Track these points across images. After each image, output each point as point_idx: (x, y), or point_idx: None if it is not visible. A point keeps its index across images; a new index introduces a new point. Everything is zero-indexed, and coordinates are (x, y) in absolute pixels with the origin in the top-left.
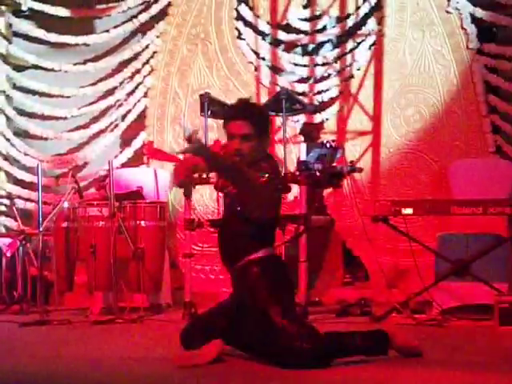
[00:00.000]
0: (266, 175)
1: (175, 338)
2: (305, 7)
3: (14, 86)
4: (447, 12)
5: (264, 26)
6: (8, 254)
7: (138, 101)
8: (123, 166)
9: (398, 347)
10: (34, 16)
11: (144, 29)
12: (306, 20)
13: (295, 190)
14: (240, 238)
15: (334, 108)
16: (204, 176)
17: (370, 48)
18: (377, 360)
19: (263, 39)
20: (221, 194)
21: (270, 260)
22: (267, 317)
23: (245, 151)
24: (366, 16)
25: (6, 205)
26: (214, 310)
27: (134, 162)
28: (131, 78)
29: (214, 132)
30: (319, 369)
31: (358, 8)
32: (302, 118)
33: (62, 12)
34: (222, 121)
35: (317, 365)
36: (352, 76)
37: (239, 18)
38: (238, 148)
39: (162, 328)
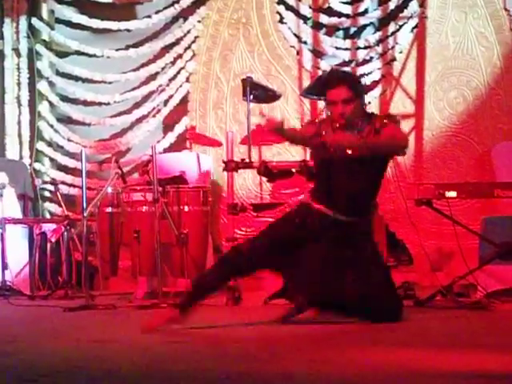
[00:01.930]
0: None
1: (218, 322)
2: None
3: (57, 72)
4: None
5: (305, 10)
6: (53, 240)
7: (180, 86)
8: (166, 151)
9: None
10: (76, 2)
11: (185, 14)
12: (347, 3)
13: None
14: (360, 196)
15: (377, 91)
16: (246, 160)
17: (412, 31)
18: (421, 342)
19: (305, 23)
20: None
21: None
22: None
23: (347, 113)
24: None
25: (50, 190)
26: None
27: (177, 146)
28: (173, 63)
29: (257, 116)
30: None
31: None
32: None
33: None
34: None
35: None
36: (394, 59)
37: (280, 1)
38: (341, 112)
39: (205, 312)
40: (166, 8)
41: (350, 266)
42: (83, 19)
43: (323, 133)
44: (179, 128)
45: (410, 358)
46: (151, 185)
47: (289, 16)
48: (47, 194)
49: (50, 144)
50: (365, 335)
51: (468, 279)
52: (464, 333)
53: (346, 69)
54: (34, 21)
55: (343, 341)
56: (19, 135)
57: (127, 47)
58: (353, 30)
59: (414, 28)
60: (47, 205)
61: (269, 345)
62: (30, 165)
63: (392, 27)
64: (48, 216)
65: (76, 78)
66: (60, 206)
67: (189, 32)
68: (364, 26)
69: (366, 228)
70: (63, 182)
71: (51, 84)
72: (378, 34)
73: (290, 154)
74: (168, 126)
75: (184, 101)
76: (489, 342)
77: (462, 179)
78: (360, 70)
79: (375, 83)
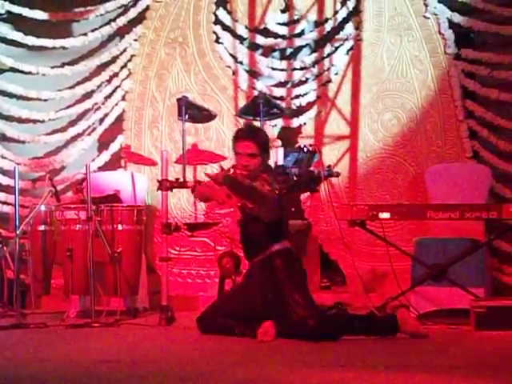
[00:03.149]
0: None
1: (152, 342)
2: (283, 11)
3: None
4: (425, 17)
5: (242, 30)
6: None
7: (116, 104)
8: (100, 169)
9: (407, 332)
10: (11, 19)
11: (122, 32)
12: (283, 24)
13: None
14: (260, 237)
15: (312, 112)
16: (180, 180)
17: (347, 53)
18: (352, 363)
19: (241, 43)
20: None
21: (288, 251)
22: (288, 297)
23: (251, 167)
24: (344, 21)
25: None
26: (228, 297)
27: (112, 165)
28: (109, 81)
29: (192, 136)
30: (326, 341)
31: (335, 13)
32: (279, 123)
33: (39, 15)
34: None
35: (324, 338)
36: (330, 80)
37: (217, 22)
38: (246, 164)
39: (138, 332)
40: (102, 26)
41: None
42: (19, 36)
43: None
44: (114, 146)
45: (335, 379)
46: (85, 203)
47: (225, 36)
48: None
49: None
50: (293, 355)
51: (400, 300)
52: (395, 354)
53: (282, 89)
54: None
55: (272, 360)
56: None
57: (63, 65)
58: (289, 51)
59: (349, 50)
60: None
61: (199, 364)
62: None
63: (328, 49)
64: None
65: (11, 95)
66: None
67: (125, 50)
68: (300, 48)
69: (282, 256)
70: None
71: None
72: (314, 56)
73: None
74: (103, 144)
75: (119, 119)
76: (419, 363)
77: (396, 201)
78: (296, 91)
79: (311, 104)
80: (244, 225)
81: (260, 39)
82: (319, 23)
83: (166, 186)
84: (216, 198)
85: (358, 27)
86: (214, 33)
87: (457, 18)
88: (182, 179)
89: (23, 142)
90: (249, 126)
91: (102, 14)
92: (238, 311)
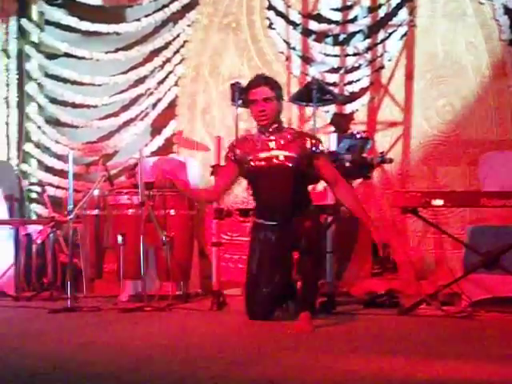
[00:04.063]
0: None
1: (203, 327)
2: None
3: (46, 74)
4: (480, 3)
5: (295, 16)
6: (38, 241)
7: (169, 90)
8: (153, 154)
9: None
10: (66, 4)
11: (175, 18)
12: (337, 10)
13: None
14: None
15: (365, 98)
16: None
17: (401, 38)
18: (403, 350)
19: (294, 29)
20: None
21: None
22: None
23: (268, 111)
24: (398, 6)
25: (36, 192)
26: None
27: (164, 150)
28: (162, 66)
29: (245, 121)
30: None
31: None
32: (332, 109)
33: (94, 0)
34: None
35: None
36: (383, 66)
37: (270, 7)
38: (261, 109)
39: (190, 316)
40: (155, 11)
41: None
42: (73, 21)
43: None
44: (167, 132)
45: (392, 366)
46: (138, 188)
47: (278, 22)
48: (34, 195)
49: (37, 145)
50: (347, 342)
51: (453, 288)
52: (448, 342)
53: (335, 75)
54: (24, 22)
55: (323, 347)
56: (7, 136)
57: (116, 50)
58: (342, 36)
59: (403, 36)
60: (33, 206)
61: (252, 349)
62: (18, 166)
63: (381, 35)
64: (34, 217)
65: (65, 80)
66: (46, 207)
67: (178, 36)
68: (353, 33)
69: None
70: (50, 184)
71: (40, 86)
72: (368, 42)
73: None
74: (156, 129)
75: (172, 105)
76: (472, 352)
77: (449, 188)
78: (348, 77)
79: (363, 90)
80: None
81: (313, 25)
82: (373, 9)
83: (218, 171)
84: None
85: (411, 13)
86: (268, 18)
87: None
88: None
89: (77, 127)
90: (260, 75)
91: (155, 0)
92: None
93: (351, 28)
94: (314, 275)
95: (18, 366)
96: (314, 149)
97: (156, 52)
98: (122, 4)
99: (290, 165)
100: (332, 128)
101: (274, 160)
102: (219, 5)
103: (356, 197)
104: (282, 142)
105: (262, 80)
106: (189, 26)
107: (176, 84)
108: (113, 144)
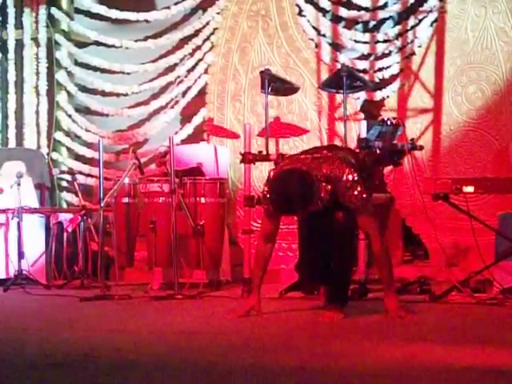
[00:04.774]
0: None
1: (233, 314)
2: None
3: (76, 63)
4: None
5: (325, 3)
6: (69, 229)
7: (199, 77)
8: (183, 142)
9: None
10: None
11: (204, 5)
12: None
13: None
14: None
15: (395, 85)
16: (263, 153)
17: (431, 25)
18: (436, 337)
19: (324, 16)
20: None
21: None
22: None
23: None
24: None
25: (67, 180)
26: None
27: (194, 138)
28: (191, 54)
29: (274, 109)
30: None
31: None
32: (362, 96)
33: None
34: None
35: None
36: (413, 53)
37: None
38: None
39: (221, 304)
40: None
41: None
42: (102, 9)
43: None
44: (197, 119)
45: (424, 353)
46: (168, 176)
47: (308, 9)
48: (64, 183)
49: (67, 134)
50: (378, 329)
51: (484, 275)
52: (479, 328)
53: (365, 62)
54: (54, 10)
55: (357, 335)
56: (37, 125)
57: (146, 38)
58: (372, 23)
59: (433, 22)
60: (64, 194)
61: (282, 337)
62: (48, 154)
63: (411, 21)
64: (65, 206)
65: (94, 69)
66: (77, 195)
67: (208, 24)
68: (383, 20)
69: None
70: (80, 172)
71: (70, 74)
72: (398, 28)
73: (308, 147)
74: (186, 117)
75: (202, 92)
76: (504, 338)
77: (480, 174)
78: (379, 64)
79: (394, 77)
80: None
81: (343, 11)
82: None
83: (248, 158)
84: None
85: None
86: (297, 5)
87: None
88: (264, 152)
89: (107, 115)
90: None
91: None
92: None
93: (381, 14)
94: (346, 265)
95: (50, 354)
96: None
97: (186, 40)
98: None
99: None
100: (362, 115)
101: None
102: None
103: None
104: None
105: None
106: (218, 13)
107: (206, 72)
108: (143, 132)
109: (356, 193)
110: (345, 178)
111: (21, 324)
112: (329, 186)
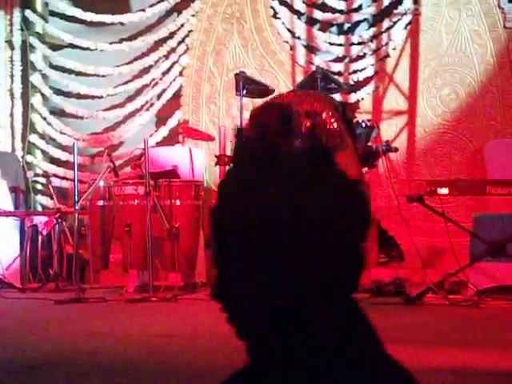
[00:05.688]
0: None
1: (210, 316)
2: None
3: (51, 65)
4: None
5: (299, 5)
6: (44, 232)
7: (174, 80)
8: (158, 144)
9: None
10: None
11: (179, 8)
12: None
13: None
14: None
15: (370, 87)
16: None
17: (405, 27)
18: (410, 339)
19: (299, 18)
20: None
21: None
22: None
23: None
24: None
25: (42, 183)
26: None
27: (170, 141)
28: (166, 56)
29: (249, 111)
30: None
31: None
32: (337, 98)
33: None
34: None
35: None
36: (388, 55)
37: None
38: None
39: (196, 306)
40: (159, 2)
41: None
42: (77, 12)
43: None
44: (172, 122)
45: (398, 355)
46: (143, 178)
47: (283, 11)
48: (39, 186)
49: (42, 136)
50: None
51: (459, 276)
52: (454, 330)
53: (340, 64)
54: (28, 13)
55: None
56: (12, 127)
57: (121, 40)
58: (347, 25)
59: (407, 25)
60: (39, 197)
61: None
62: (22, 157)
63: (386, 24)
64: (39, 209)
65: (69, 71)
66: (52, 198)
67: (182, 26)
68: (358, 22)
69: None
70: (55, 175)
71: (44, 77)
72: (372, 30)
73: None
74: (161, 119)
75: (177, 95)
76: (479, 340)
77: (454, 176)
78: (353, 66)
79: (368, 79)
80: None
81: (318, 14)
82: None
83: (223, 161)
84: None
85: (416, 1)
86: (272, 8)
87: None
88: None
89: (82, 118)
90: None
91: None
92: None
93: (356, 17)
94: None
95: (24, 357)
96: None
97: (160, 42)
98: None
99: None
100: None
101: None
102: None
103: None
104: None
105: None
106: (193, 15)
107: (181, 74)
108: (118, 135)
109: (335, 126)
110: (325, 114)
111: None
112: (308, 123)
